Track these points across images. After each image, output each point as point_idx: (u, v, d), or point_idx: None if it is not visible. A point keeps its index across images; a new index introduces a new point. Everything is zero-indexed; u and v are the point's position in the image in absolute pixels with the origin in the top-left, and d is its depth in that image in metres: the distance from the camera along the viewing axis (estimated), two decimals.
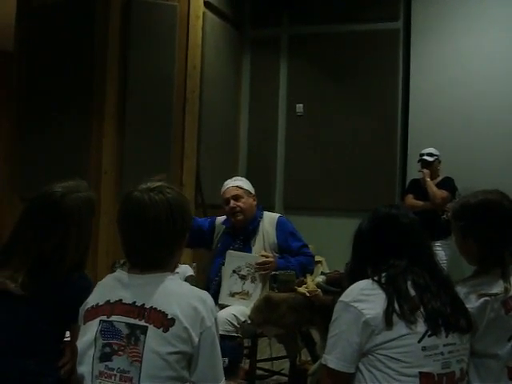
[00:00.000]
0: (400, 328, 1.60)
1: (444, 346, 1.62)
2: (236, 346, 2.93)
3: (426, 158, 5.21)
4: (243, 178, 3.54)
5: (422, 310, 1.63)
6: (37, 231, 1.87)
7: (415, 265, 1.71)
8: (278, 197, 6.39)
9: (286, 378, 3.53)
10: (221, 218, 3.50)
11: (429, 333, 1.61)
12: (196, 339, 1.53)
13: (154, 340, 1.51)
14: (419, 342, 1.60)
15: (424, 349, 1.59)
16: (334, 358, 1.63)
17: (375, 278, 1.68)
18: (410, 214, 1.84)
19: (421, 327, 1.61)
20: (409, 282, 1.67)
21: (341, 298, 1.68)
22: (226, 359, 2.49)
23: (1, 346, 1.80)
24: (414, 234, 1.78)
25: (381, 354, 1.60)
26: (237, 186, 3.38)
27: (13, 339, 1.80)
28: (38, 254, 1.86)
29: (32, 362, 1.78)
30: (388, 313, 1.60)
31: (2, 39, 5.89)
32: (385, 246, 1.75)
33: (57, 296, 1.84)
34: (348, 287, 1.72)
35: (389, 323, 1.59)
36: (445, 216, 5.00)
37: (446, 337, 1.64)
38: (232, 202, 3.33)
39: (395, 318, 1.60)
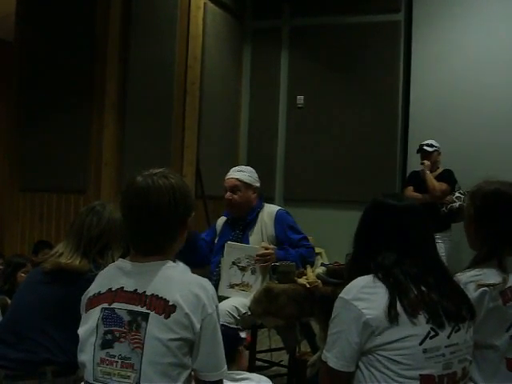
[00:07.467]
0: (401, 329, 1.56)
1: (446, 347, 1.59)
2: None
3: (425, 148, 5.20)
4: (248, 169, 3.45)
5: (422, 303, 1.59)
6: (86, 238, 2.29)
7: (407, 256, 1.66)
8: (278, 188, 6.39)
9: (286, 369, 3.54)
10: (222, 218, 3.49)
11: (431, 334, 1.58)
12: (197, 326, 1.53)
13: (156, 327, 1.52)
14: (420, 344, 1.56)
15: (425, 351, 1.56)
16: (333, 357, 1.61)
17: (378, 275, 1.63)
18: (409, 202, 1.80)
19: (423, 328, 1.58)
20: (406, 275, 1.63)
21: (341, 295, 1.64)
22: None
23: (33, 308, 2.18)
24: (410, 222, 1.73)
25: (381, 355, 1.57)
26: (236, 179, 3.35)
27: (45, 306, 2.17)
28: (85, 251, 2.27)
29: (51, 328, 2.13)
30: (391, 307, 1.56)
31: (1, 28, 5.87)
32: (379, 236, 1.71)
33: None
34: (348, 279, 1.69)
35: (393, 318, 1.55)
36: (444, 209, 5.01)
37: (449, 337, 1.60)
38: (228, 193, 3.33)
39: (398, 312, 1.57)
